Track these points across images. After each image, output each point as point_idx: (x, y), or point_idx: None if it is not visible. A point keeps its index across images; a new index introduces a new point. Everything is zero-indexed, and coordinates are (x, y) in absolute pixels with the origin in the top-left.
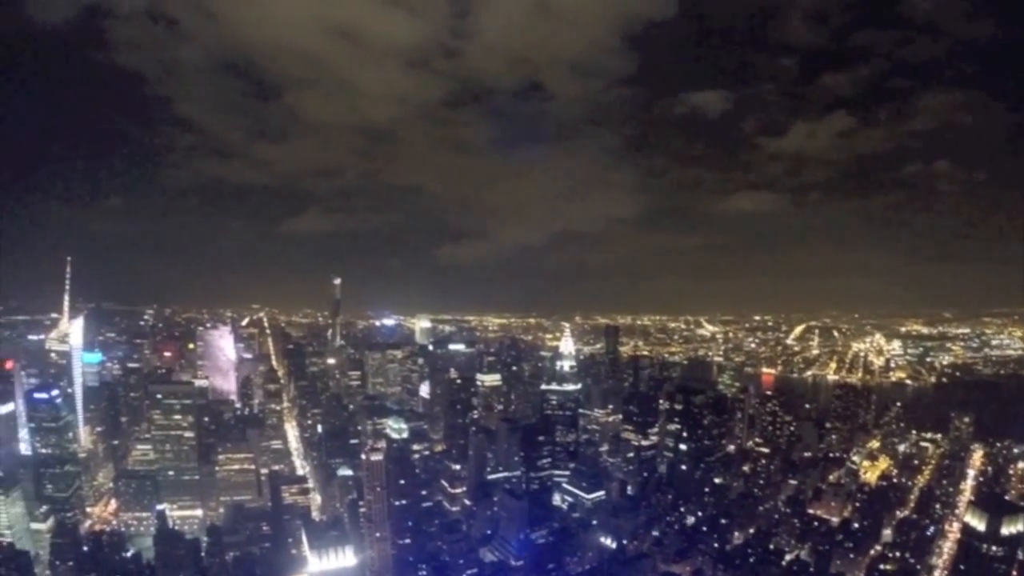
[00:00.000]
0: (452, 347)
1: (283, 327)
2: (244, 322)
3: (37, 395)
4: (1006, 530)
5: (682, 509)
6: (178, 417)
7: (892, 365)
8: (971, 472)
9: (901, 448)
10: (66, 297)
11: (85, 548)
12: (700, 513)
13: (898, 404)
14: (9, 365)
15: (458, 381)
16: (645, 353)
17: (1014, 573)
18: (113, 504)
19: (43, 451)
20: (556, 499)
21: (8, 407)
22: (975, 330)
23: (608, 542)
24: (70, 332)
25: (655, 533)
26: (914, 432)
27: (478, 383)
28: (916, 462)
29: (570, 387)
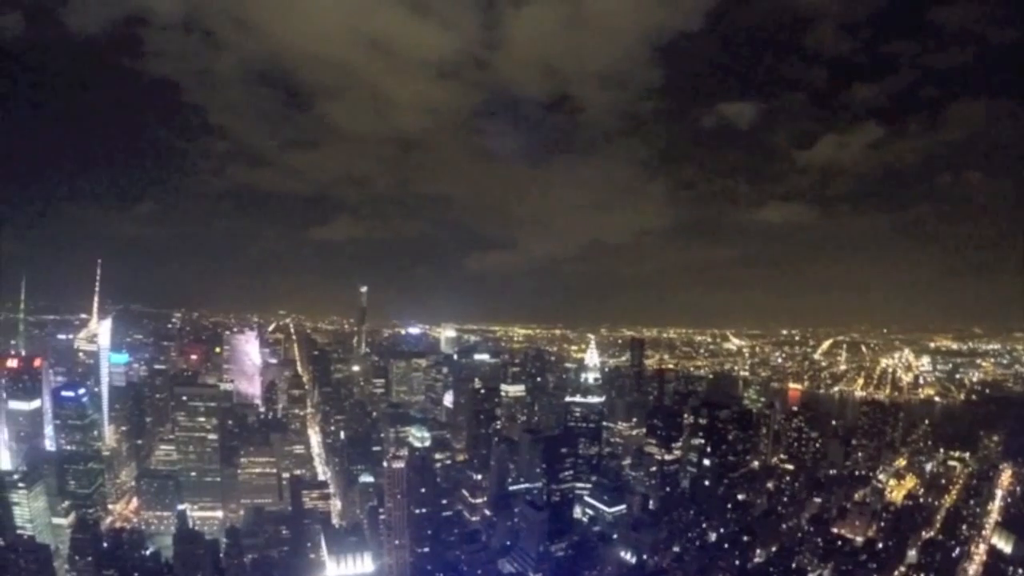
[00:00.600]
0: (477, 357)
1: (309, 333)
2: (270, 327)
3: (64, 393)
4: None
5: (704, 525)
6: (202, 419)
7: (921, 381)
8: (999, 492)
9: (928, 467)
10: (96, 298)
11: (105, 544)
12: (722, 530)
13: (926, 421)
14: (38, 363)
15: (482, 391)
16: (670, 366)
17: None
18: (135, 502)
19: (68, 448)
20: (577, 512)
21: (35, 403)
22: (1006, 346)
23: (628, 557)
24: (99, 332)
25: (676, 549)
26: (942, 450)
27: (502, 393)
28: (943, 481)
29: (594, 399)
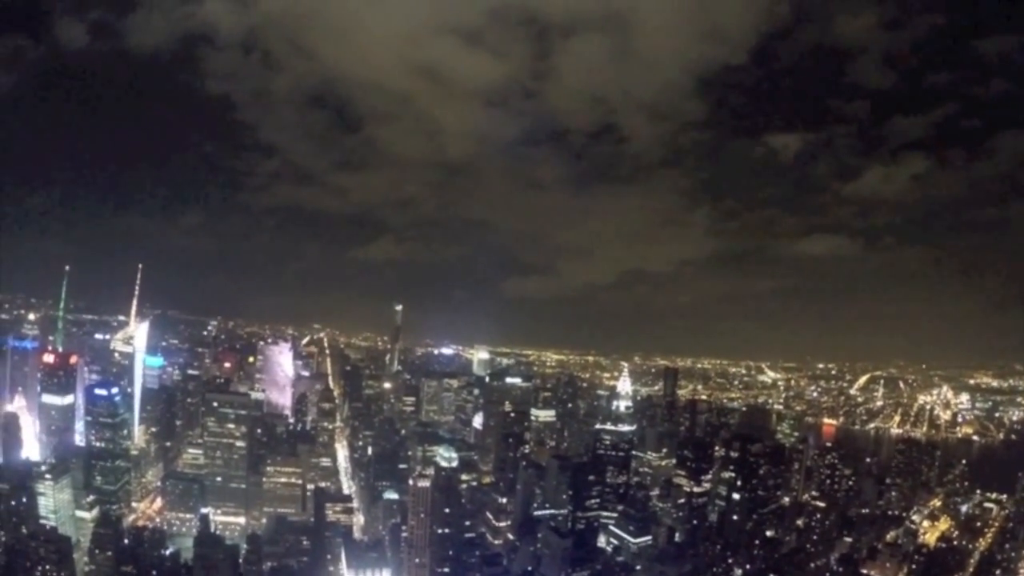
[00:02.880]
0: (508, 380)
1: (342, 348)
2: (304, 340)
3: (98, 391)
4: None
5: (730, 560)
6: (231, 426)
7: (959, 419)
8: None
9: (964, 508)
10: (135, 302)
11: (126, 541)
12: (748, 566)
13: (963, 461)
14: (74, 360)
15: (512, 414)
16: (703, 397)
17: None
18: (159, 502)
19: (97, 444)
20: (601, 541)
21: (68, 399)
22: None
23: None
24: (135, 335)
25: None
26: (978, 492)
27: (532, 418)
28: (979, 524)
29: (625, 428)
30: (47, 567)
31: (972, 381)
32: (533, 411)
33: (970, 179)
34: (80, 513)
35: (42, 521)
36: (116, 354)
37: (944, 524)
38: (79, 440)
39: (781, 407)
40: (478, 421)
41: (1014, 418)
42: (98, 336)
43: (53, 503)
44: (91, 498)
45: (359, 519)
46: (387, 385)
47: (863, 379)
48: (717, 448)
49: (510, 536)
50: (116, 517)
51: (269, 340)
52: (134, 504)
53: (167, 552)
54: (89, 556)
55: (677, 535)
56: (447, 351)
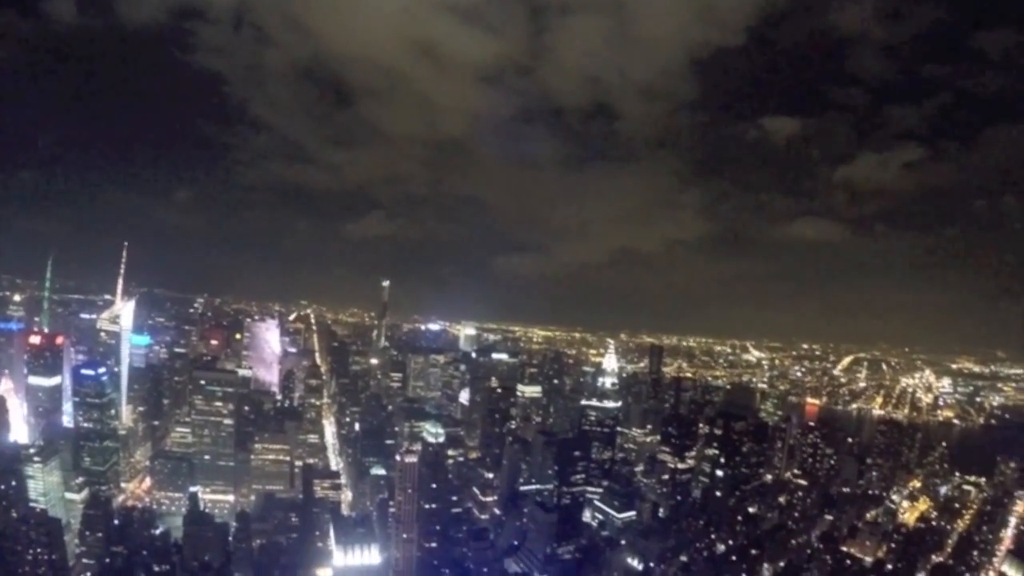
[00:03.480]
0: (495, 356)
1: (329, 324)
2: (291, 317)
3: (84, 371)
4: None
5: (713, 536)
6: (219, 404)
7: (940, 403)
8: (1013, 520)
9: (943, 490)
10: (120, 280)
11: (116, 521)
12: (731, 542)
13: (943, 444)
14: (60, 340)
15: (498, 390)
16: (688, 375)
17: None
18: (147, 482)
19: (85, 425)
20: (586, 516)
21: (55, 380)
22: None
23: (635, 563)
24: (121, 314)
25: (683, 558)
26: (957, 474)
27: (518, 393)
28: (957, 505)
29: (610, 404)
30: (38, 550)
31: (954, 366)
32: (519, 387)
33: (962, 170)
34: (70, 495)
35: (32, 504)
36: (102, 334)
37: (923, 505)
38: (67, 421)
39: (765, 386)
40: (464, 397)
41: (994, 403)
42: (84, 316)
43: (43, 486)
44: (80, 479)
45: (347, 495)
46: (374, 361)
47: (847, 360)
48: (701, 425)
49: (496, 511)
50: (106, 498)
51: (256, 317)
52: (123, 484)
53: (157, 531)
54: (80, 538)
55: (661, 510)
56: (434, 327)
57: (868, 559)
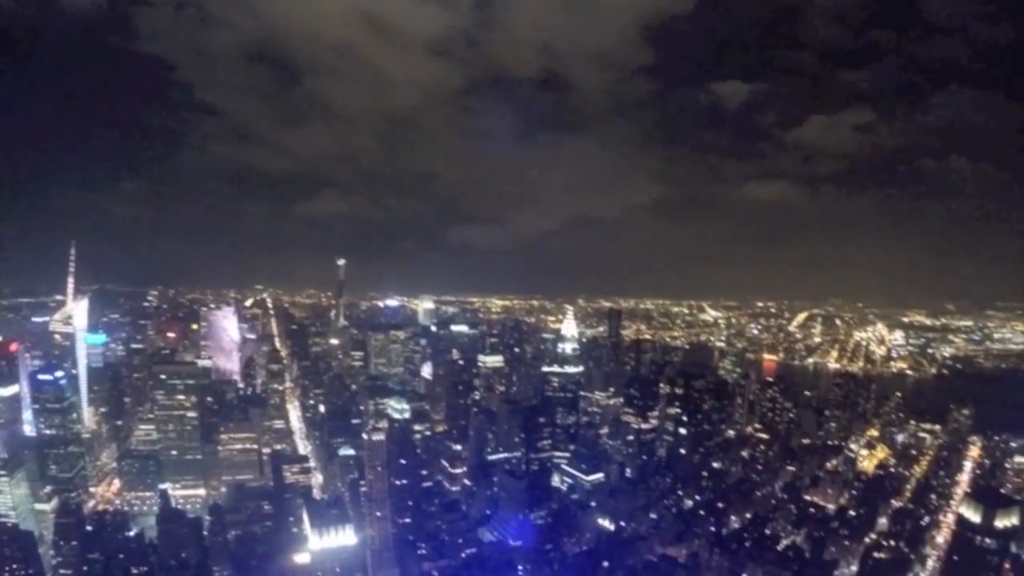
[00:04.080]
0: (454, 328)
1: (287, 307)
2: (248, 303)
3: (41, 376)
4: (1000, 523)
5: (680, 493)
6: (181, 397)
7: (893, 355)
8: (968, 464)
9: (899, 438)
10: (70, 279)
11: (89, 528)
12: (698, 497)
13: (898, 394)
14: (14, 347)
15: (460, 362)
16: (647, 337)
17: (1006, 565)
18: (116, 484)
19: (47, 432)
20: (555, 480)
21: (12, 389)
22: (978, 323)
23: (606, 524)
24: (74, 314)
25: (652, 516)
26: (913, 422)
27: (480, 364)
28: (914, 452)
29: (572, 369)
30: (13, 566)
31: (906, 319)
32: (480, 358)
33: (910, 132)
34: (39, 505)
35: (2, 519)
36: (56, 336)
37: (881, 452)
38: (28, 430)
39: (723, 344)
40: (427, 371)
41: (945, 354)
42: (36, 319)
43: (11, 499)
44: (48, 489)
45: (317, 478)
46: (334, 341)
47: (801, 317)
48: (662, 386)
49: (467, 482)
50: (76, 505)
51: (212, 306)
52: (92, 489)
53: (131, 533)
54: (54, 548)
55: (628, 471)
56: (392, 303)
57: (831, 507)
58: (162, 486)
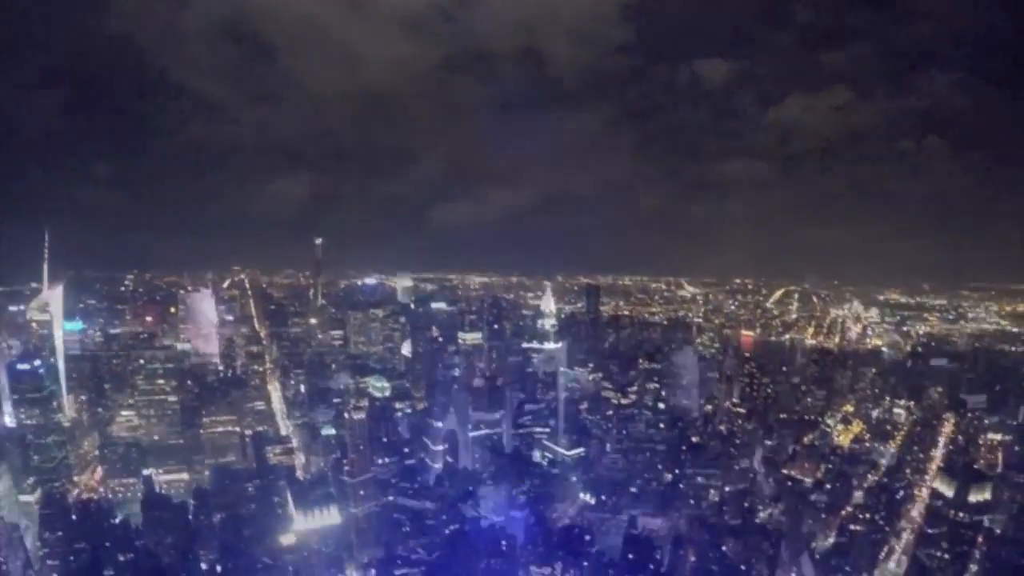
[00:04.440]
0: (434, 305)
1: (264, 288)
2: (225, 284)
3: (19, 366)
4: (973, 497)
5: (660, 467)
6: (161, 382)
7: (869, 332)
8: (942, 440)
9: (875, 414)
10: (45, 266)
11: (74, 517)
12: (677, 471)
13: (873, 371)
14: None
15: (440, 339)
16: (626, 313)
17: (979, 539)
18: (99, 472)
19: (27, 422)
20: (536, 456)
21: None
22: (952, 302)
23: (587, 498)
24: (50, 301)
25: (633, 490)
26: (888, 399)
27: (460, 341)
28: (889, 428)
29: (551, 345)
30: (0, 559)
31: (881, 297)
32: (460, 334)
33: (887, 112)
34: (23, 497)
35: None
36: (33, 324)
37: (857, 428)
38: (8, 421)
39: (700, 320)
40: (407, 349)
41: (920, 332)
42: (11, 308)
43: None
44: (31, 480)
45: (300, 459)
46: (313, 321)
47: (778, 293)
48: (641, 361)
49: (449, 459)
50: (60, 495)
51: (189, 288)
52: (75, 478)
53: (117, 521)
54: (40, 540)
55: (608, 446)
56: (370, 281)
57: (808, 480)
58: (145, 472)
